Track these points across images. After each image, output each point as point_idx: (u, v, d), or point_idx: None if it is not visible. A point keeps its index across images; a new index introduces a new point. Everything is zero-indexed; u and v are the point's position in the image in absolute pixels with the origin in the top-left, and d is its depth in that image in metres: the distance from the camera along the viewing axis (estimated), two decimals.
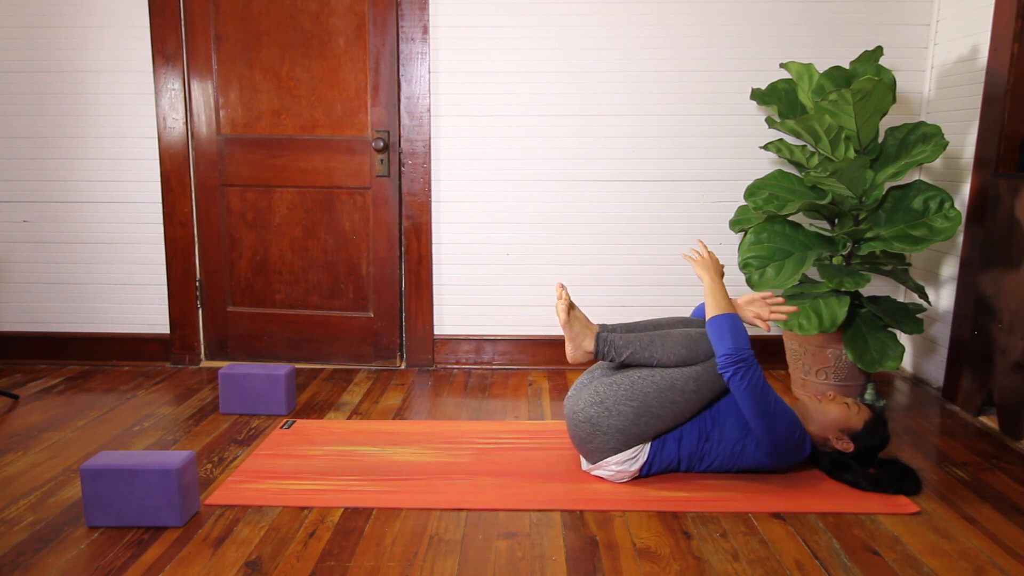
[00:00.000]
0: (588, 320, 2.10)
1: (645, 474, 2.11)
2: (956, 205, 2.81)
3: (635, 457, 2.06)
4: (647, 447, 2.07)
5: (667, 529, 1.88)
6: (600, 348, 2.05)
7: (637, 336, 2.06)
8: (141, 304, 3.26)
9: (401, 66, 3.05)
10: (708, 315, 2.05)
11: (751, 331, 3.17)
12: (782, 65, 2.76)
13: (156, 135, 3.13)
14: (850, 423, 2.09)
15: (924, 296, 2.68)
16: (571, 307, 2.06)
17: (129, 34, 3.07)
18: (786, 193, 2.75)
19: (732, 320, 2.01)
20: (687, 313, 3.20)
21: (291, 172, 3.16)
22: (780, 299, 2.18)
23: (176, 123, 3.11)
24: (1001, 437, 2.49)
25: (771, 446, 2.02)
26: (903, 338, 3.21)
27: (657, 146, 3.10)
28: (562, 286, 2.06)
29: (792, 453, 2.05)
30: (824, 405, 2.12)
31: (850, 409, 2.10)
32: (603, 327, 2.13)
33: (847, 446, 2.09)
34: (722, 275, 2.15)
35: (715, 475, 2.15)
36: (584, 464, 2.17)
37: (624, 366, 2.08)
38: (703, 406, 2.07)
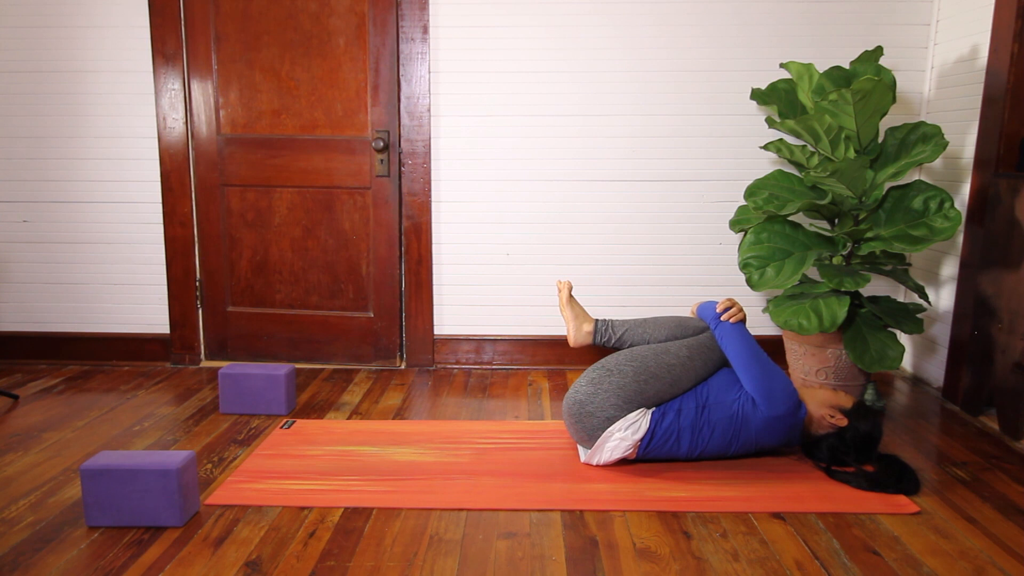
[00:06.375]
0: (585, 311, 2.39)
1: (646, 446, 2.12)
2: (956, 205, 2.81)
3: (637, 424, 2.09)
4: (647, 417, 2.10)
5: (667, 529, 1.88)
6: (598, 327, 2.31)
7: (633, 319, 2.35)
8: (141, 304, 3.26)
9: (401, 66, 3.05)
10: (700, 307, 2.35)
11: (753, 332, 3.17)
12: (782, 65, 2.76)
13: (156, 135, 3.13)
14: (839, 401, 2.22)
15: (924, 296, 2.68)
16: (571, 295, 2.37)
17: (129, 34, 3.07)
18: (786, 193, 2.75)
19: (716, 301, 2.31)
20: (686, 314, 3.20)
21: (291, 172, 3.16)
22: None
23: (176, 123, 3.11)
24: (1001, 437, 2.49)
25: (766, 397, 2.12)
26: (903, 338, 3.21)
27: (657, 146, 3.10)
28: (561, 280, 2.36)
29: (788, 405, 2.13)
30: (812, 390, 2.28)
31: (837, 392, 2.27)
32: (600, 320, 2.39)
33: (841, 420, 2.17)
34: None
35: (715, 475, 2.15)
36: (583, 455, 2.19)
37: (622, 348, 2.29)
38: (697, 375, 2.19)
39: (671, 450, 2.14)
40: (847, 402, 2.21)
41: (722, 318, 2.23)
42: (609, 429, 2.09)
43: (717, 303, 2.28)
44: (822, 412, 2.19)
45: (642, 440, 2.10)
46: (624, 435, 2.09)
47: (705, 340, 2.24)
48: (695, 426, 2.12)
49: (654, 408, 2.13)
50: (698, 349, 2.21)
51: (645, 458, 2.18)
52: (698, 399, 2.16)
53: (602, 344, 2.30)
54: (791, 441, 2.22)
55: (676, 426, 2.12)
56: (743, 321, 2.24)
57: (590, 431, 2.12)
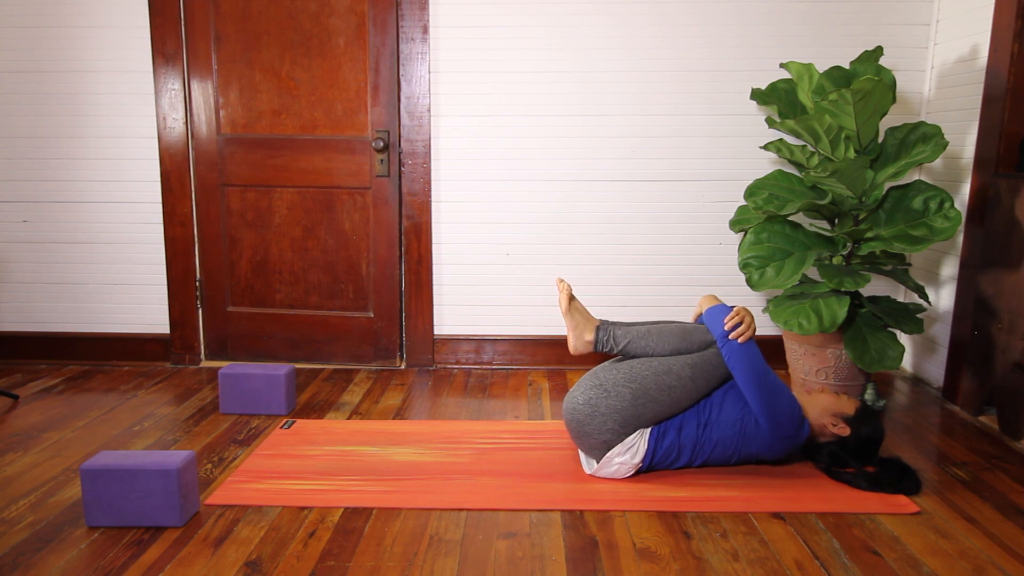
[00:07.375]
0: (588, 312, 2.23)
1: (648, 466, 2.11)
2: (956, 205, 2.81)
3: (635, 448, 2.07)
4: (646, 437, 2.08)
5: (667, 529, 1.88)
6: (599, 337, 2.17)
7: (635, 327, 2.19)
8: (141, 304, 3.26)
9: (401, 66, 3.05)
10: (706, 309, 2.20)
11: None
12: (782, 65, 2.76)
13: (156, 135, 3.13)
14: (841, 408, 2.17)
15: (924, 296, 2.68)
16: (572, 298, 2.21)
17: (129, 34, 3.07)
18: (786, 193, 2.75)
19: (726, 308, 2.14)
20: (687, 316, 3.20)
21: (291, 172, 3.16)
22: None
23: (176, 123, 3.11)
24: (1001, 437, 2.49)
25: (771, 420, 2.06)
26: (903, 338, 3.21)
27: (657, 146, 3.10)
28: (562, 279, 2.21)
29: (792, 428, 2.09)
30: (814, 396, 2.22)
31: (839, 397, 2.21)
32: (603, 322, 2.23)
33: (843, 429, 2.13)
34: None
35: (715, 475, 2.15)
36: (586, 467, 2.18)
37: (623, 358, 2.17)
38: (699, 394, 2.12)
39: (671, 465, 2.14)
40: (849, 408, 2.16)
41: (731, 336, 2.06)
42: (608, 454, 2.08)
43: (726, 315, 2.10)
44: (824, 421, 2.15)
45: (642, 462, 2.09)
46: (623, 459, 2.08)
47: (710, 357, 2.11)
48: (696, 443, 2.10)
49: (653, 427, 2.10)
50: (702, 368, 2.10)
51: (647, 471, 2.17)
52: (700, 417, 2.11)
53: (603, 353, 2.23)
54: (792, 455, 2.20)
55: (677, 444, 2.10)
56: (752, 336, 2.10)
57: (588, 449, 2.12)
